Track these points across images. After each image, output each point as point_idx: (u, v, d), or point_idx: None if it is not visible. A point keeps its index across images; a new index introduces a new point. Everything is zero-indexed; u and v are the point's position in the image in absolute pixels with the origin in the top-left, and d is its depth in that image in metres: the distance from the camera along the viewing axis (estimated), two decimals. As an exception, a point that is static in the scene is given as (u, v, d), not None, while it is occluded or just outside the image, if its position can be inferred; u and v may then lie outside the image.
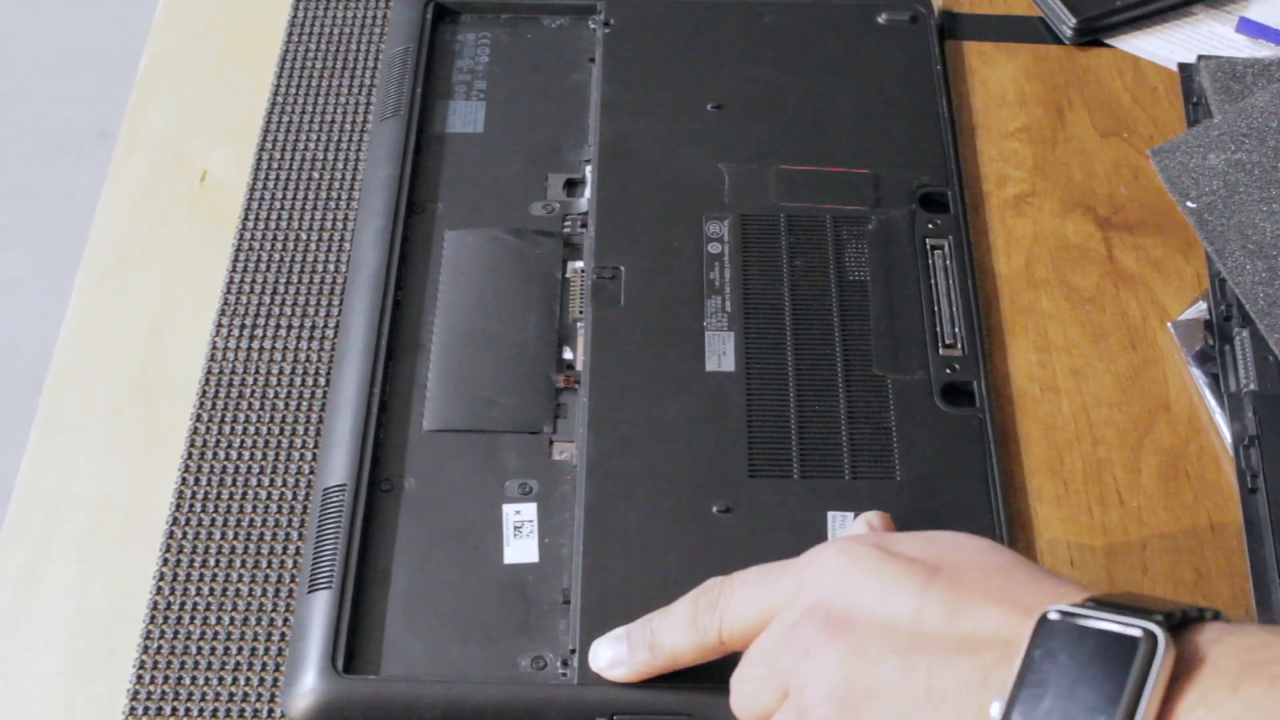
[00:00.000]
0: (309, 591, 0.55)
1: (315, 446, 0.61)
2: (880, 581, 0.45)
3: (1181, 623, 0.41)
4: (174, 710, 0.55)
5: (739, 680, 0.49)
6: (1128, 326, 0.65)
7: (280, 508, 0.60)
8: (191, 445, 0.61)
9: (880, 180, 0.67)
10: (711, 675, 0.53)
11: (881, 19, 0.73)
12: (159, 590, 0.57)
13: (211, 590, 0.58)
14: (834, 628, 0.45)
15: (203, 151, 0.71)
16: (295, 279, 0.66)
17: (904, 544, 0.47)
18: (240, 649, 0.56)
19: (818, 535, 0.56)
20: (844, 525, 0.57)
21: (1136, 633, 0.40)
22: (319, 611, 0.54)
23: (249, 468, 0.61)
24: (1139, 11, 0.75)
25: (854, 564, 0.46)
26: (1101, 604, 0.42)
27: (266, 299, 0.66)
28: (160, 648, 0.56)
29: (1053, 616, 0.42)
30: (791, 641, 0.46)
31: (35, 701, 0.55)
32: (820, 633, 0.45)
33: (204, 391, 0.63)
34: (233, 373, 0.63)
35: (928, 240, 0.65)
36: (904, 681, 0.43)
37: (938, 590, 0.44)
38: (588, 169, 0.68)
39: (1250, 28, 0.75)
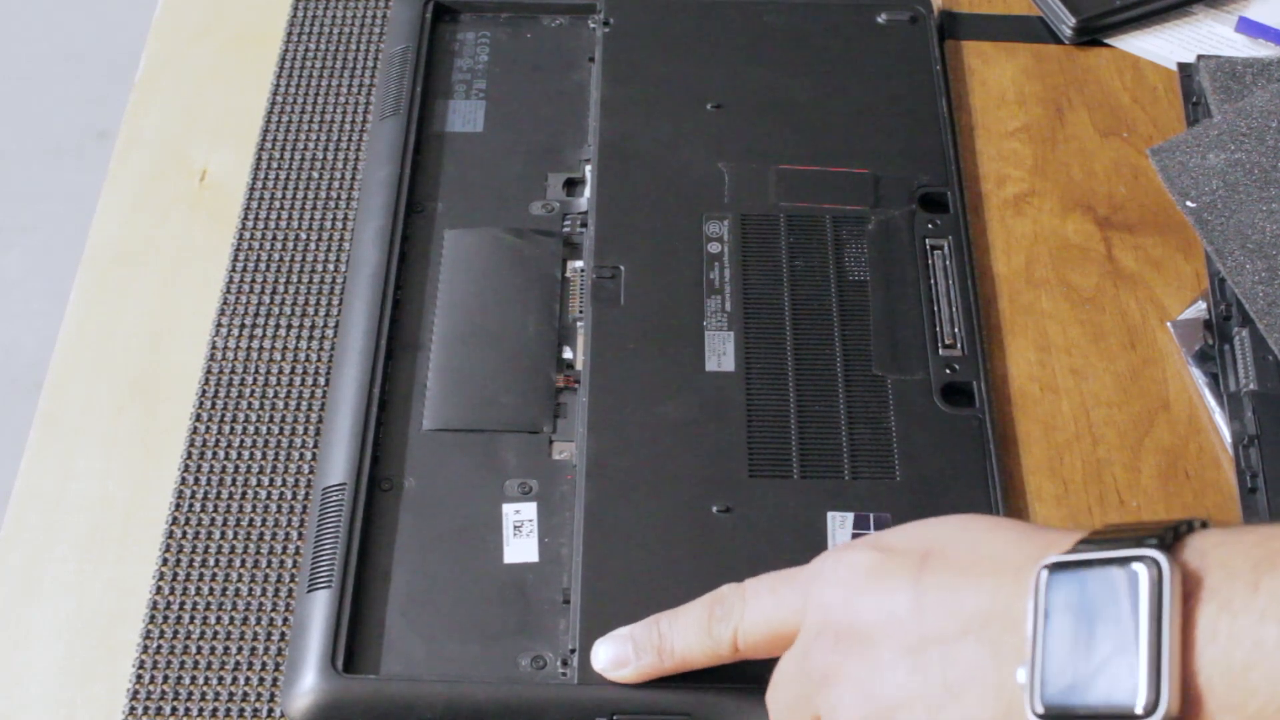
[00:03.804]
0: (309, 591, 0.55)
1: (315, 446, 0.61)
2: (877, 583, 0.45)
3: (1176, 538, 0.40)
4: (174, 710, 0.55)
5: (773, 707, 0.49)
6: (1128, 326, 0.65)
7: (280, 507, 0.60)
8: (191, 445, 0.61)
9: (880, 180, 0.67)
10: (711, 675, 0.53)
11: (881, 19, 0.73)
12: (159, 590, 0.57)
13: (211, 590, 0.57)
14: (844, 647, 0.45)
15: (203, 151, 0.71)
16: (295, 279, 0.66)
17: (893, 537, 0.47)
18: (240, 649, 0.56)
19: (818, 535, 0.56)
20: (844, 525, 0.57)
21: (1137, 562, 0.39)
22: (318, 611, 0.54)
23: (249, 467, 0.61)
24: (1138, 11, 0.75)
25: (851, 573, 0.46)
26: (1091, 543, 0.41)
27: (266, 299, 0.66)
28: (160, 647, 0.56)
29: (1046, 572, 0.41)
30: (809, 671, 0.46)
31: (35, 701, 0.55)
32: (833, 654, 0.45)
33: (204, 391, 0.63)
34: (232, 372, 0.63)
35: (927, 240, 0.65)
36: (922, 681, 0.43)
37: (931, 576, 0.44)
38: (587, 168, 0.68)
39: (1250, 27, 0.75)
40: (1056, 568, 0.41)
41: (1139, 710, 0.38)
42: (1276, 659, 0.37)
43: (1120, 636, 0.39)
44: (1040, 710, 0.40)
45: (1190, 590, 0.39)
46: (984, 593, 0.43)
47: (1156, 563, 0.39)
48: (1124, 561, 0.40)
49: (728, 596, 0.50)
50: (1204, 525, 0.41)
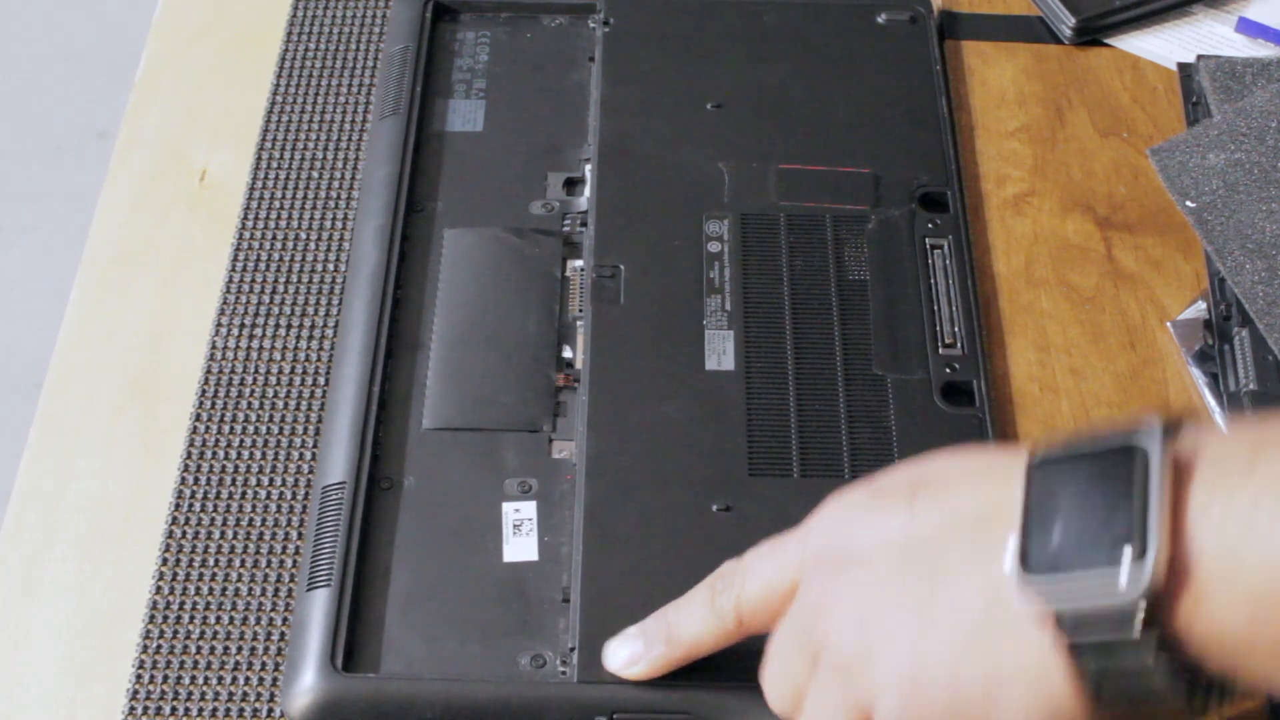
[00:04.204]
0: (308, 589, 0.55)
1: (315, 446, 0.61)
2: (870, 512, 0.45)
3: (1168, 432, 0.39)
4: (173, 709, 0.55)
5: (769, 666, 0.48)
6: (1127, 326, 0.65)
7: (280, 507, 0.60)
8: (191, 445, 0.61)
9: (880, 180, 0.67)
10: (711, 674, 0.53)
11: (881, 19, 0.73)
12: (159, 590, 0.57)
13: (211, 590, 0.57)
14: (840, 572, 0.45)
15: (202, 151, 0.71)
16: (295, 278, 0.66)
17: (884, 477, 0.47)
18: (240, 648, 0.56)
19: (817, 534, 0.56)
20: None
21: (1130, 449, 0.39)
22: (318, 609, 0.54)
23: (249, 467, 0.61)
24: (1138, 11, 0.75)
25: (846, 509, 0.46)
26: (1083, 439, 0.41)
27: (266, 298, 0.66)
28: (160, 647, 0.56)
29: (1039, 460, 0.41)
30: (805, 606, 0.46)
31: (35, 701, 0.55)
32: (827, 582, 0.45)
33: (204, 391, 0.63)
34: (232, 372, 0.63)
35: (927, 240, 0.65)
36: (913, 581, 0.42)
37: (924, 499, 0.44)
38: (587, 168, 0.68)
39: (1249, 27, 0.75)
40: (1047, 461, 0.40)
41: (1123, 580, 0.37)
42: (1270, 536, 0.36)
43: (1111, 513, 0.38)
44: (1026, 585, 0.39)
45: (1182, 476, 0.38)
46: (975, 495, 0.42)
47: (1150, 441, 0.39)
48: (1116, 451, 0.39)
49: (728, 569, 0.50)
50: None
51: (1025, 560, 0.39)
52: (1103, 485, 0.39)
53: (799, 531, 0.48)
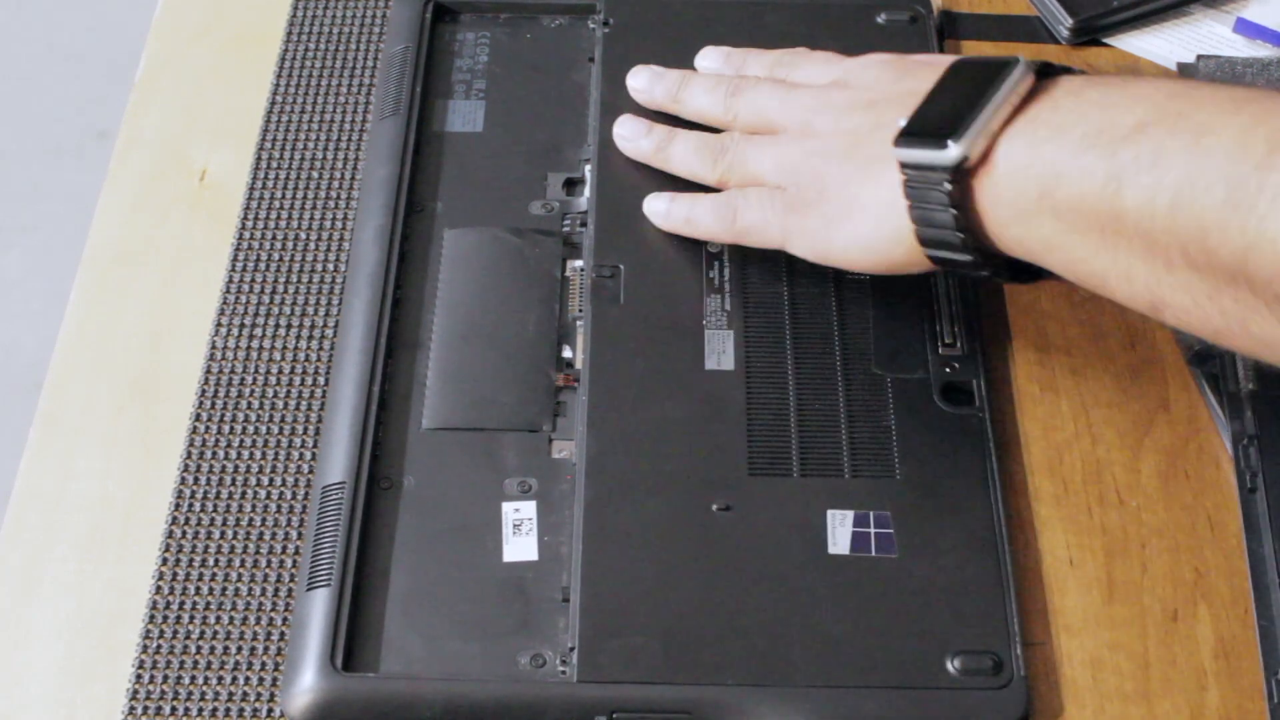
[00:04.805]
0: (308, 589, 0.55)
1: (315, 446, 0.61)
2: (886, 66, 0.61)
3: (1054, 71, 0.55)
4: (173, 710, 0.55)
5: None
6: (1127, 326, 0.65)
7: (280, 507, 0.60)
8: (191, 445, 0.61)
9: (880, 180, 0.67)
10: (712, 674, 0.53)
11: (881, 19, 0.73)
12: (159, 590, 0.57)
13: (211, 590, 0.58)
14: (838, 88, 0.62)
15: (203, 151, 0.72)
16: (295, 279, 0.66)
17: (920, 55, 0.63)
18: (240, 648, 0.56)
19: (817, 534, 0.57)
20: (844, 523, 0.57)
21: (1009, 59, 0.54)
22: (318, 609, 0.54)
23: (249, 467, 0.61)
24: (1135, 11, 0.75)
25: (875, 58, 0.62)
26: (1000, 57, 0.55)
27: (266, 299, 0.66)
28: (160, 647, 0.56)
29: (960, 59, 0.57)
30: (791, 85, 0.64)
31: (35, 701, 0.55)
32: (826, 90, 0.62)
33: (204, 391, 0.63)
34: (232, 372, 0.63)
35: (927, 239, 0.65)
36: (863, 121, 0.58)
37: (920, 70, 0.59)
38: (587, 168, 0.68)
39: (1247, 28, 0.75)
40: (964, 60, 0.57)
41: (951, 145, 0.53)
42: (1064, 138, 0.51)
43: (972, 99, 0.53)
44: (900, 140, 0.55)
45: (1035, 94, 0.54)
46: (924, 81, 0.57)
47: (1018, 64, 0.54)
48: (1004, 60, 0.54)
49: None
50: (1083, 73, 0.55)
51: (908, 124, 0.55)
52: (976, 87, 0.54)
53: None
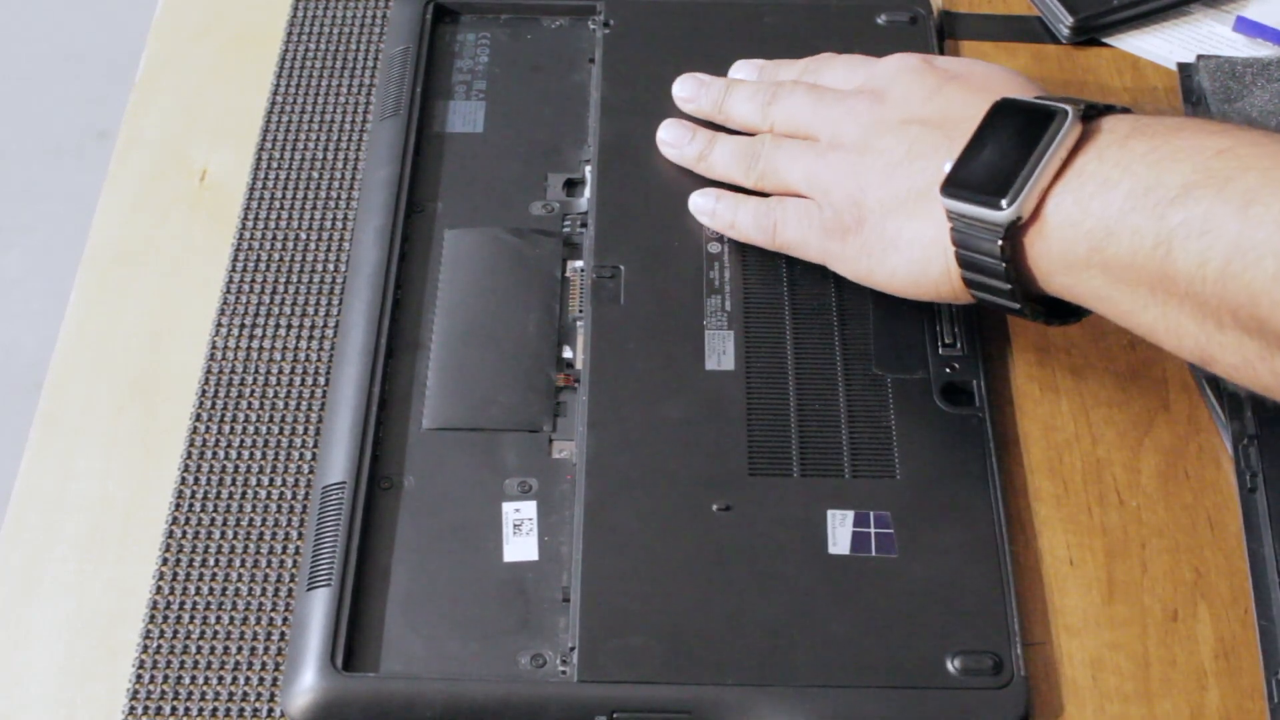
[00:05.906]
0: (308, 589, 0.55)
1: (315, 446, 0.61)
2: (916, 77, 0.61)
3: (1097, 112, 0.54)
4: (173, 709, 0.55)
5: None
6: (1127, 326, 0.65)
7: (280, 507, 0.60)
8: (191, 445, 0.61)
9: (880, 180, 0.67)
10: (712, 674, 0.53)
11: (881, 19, 0.73)
12: (159, 590, 0.58)
13: (211, 590, 0.58)
14: (866, 98, 0.61)
15: (203, 151, 0.72)
16: (295, 279, 0.66)
17: (945, 60, 0.63)
18: (240, 648, 0.56)
19: (817, 533, 0.57)
20: (844, 523, 0.57)
21: (1056, 108, 0.54)
22: (318, 609, 0.54)
23: (249, 467, 0.61)
24: (1135, 11, 0.75)
25: (903, 64, 0.62)
26: (1045, 96, 0.56)
27: (266, 299, 0.66)
28: (160, 647, 0.56)
29: (1003, 100, 0.56)
30: (823, 91, 0.64)
31: (35, 701, 0.55)
32: (854, 98, 0.62)
33: (204, 391, 0.63)
34: (232, 372, 0.63)
35: (927, 240, 0.65)
36: (897, 145, 0.59)
37: (951, 86, 0.60)
38: (587, 169, 0.68)
39: (1247, 27, 0.75)
40: (1008, 102, 0.56)
41: (1005, 206, 0.53)
42: (1112, 194, 0.51)
43: (1022, 150, 0.54)
44: (945, 185, 0.55)
45: (1087, 140, 0.53)
46: (971, 106, 0.57)
47: (1067, 113, 0.53)
48: (1050, 105, 0.54)
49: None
50: (1127, 111, 0.55)
51: (956, 174, 0.55)
52: (1026, 136, 0.54)
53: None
